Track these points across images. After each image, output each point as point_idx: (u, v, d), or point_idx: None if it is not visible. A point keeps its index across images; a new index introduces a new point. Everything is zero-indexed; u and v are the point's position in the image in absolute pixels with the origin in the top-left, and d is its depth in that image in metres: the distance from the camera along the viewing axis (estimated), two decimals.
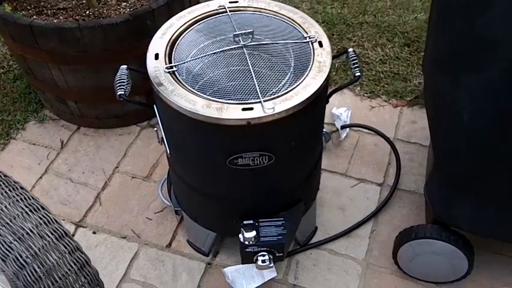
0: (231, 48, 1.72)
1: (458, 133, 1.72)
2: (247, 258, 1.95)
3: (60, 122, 2.79)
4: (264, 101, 1.57)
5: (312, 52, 1.72)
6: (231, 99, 1.60)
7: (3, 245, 1.15)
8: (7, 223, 1.17)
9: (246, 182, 1.84)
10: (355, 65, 1.78)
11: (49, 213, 1.21)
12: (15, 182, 1.27)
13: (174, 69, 1.68)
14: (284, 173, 1.86)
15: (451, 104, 1.68)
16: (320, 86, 1.62)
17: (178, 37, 1.79)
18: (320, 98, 1.71)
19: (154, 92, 1.67)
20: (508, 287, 2.13)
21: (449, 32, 1.66)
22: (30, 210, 1.20)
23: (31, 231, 1.16)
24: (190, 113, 1.57)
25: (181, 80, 1.66)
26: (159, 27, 1.82)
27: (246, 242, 1.89)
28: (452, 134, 1.75)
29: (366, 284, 2.17)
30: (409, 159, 2.57)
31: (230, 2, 1.88)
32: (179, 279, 2.18)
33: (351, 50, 1.84)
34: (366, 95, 2.87)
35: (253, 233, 1.89)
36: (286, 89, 1.62)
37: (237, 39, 1.72)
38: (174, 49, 1.75)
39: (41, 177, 2.54)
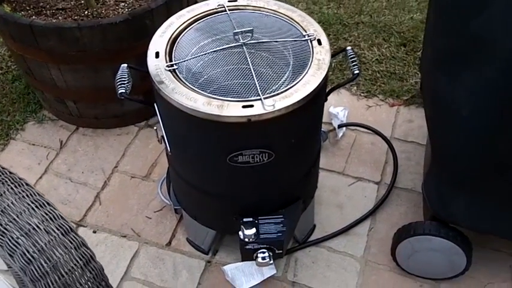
0: (231, 47, 1.73)
1: (457, 131, 1.73)
2: (247, 255, 1.96)
3: (59, 122, 2.80)
4: (264, 98, 1.58)
5: (311, 50, 1.74)
6: (232, 97, 1.61)
7: (10, 241, 1.16)
8: (14, 219, 1.18)
9: (246, 180, 1.85)
10: (354, 63, 1.79)
11: (54, 209, 1.22)
12: (20, 179, 1.28)
13: (175, 67, 1.69)
14: (284, 171, 1.87)
15: (449, 102, 1.70)
16: (319, 83, 1.64)
17: (179, 35, 1.80)
18: (319, 96, 1.73)
19: (155, 90, 1.68)
20: (506, 283, 2.15)
21: (447, 31, 1.68)
22: (36, 206, 1.21)
23: (37, 226, 1.17)
24: (191, 110, 1.58)
25: (181, 78, 1.67)
26: (158, 27, 1.83)
27: (246, 239, 1.91)
28: (451, 132, 1.76)
29: (364, 281, 2.18)
30: (406, 157, 2.59)
31: (229, 1, 1.90)
32: (179, 277, 2.20)
33: (349, 48, 1.85)
34: (362, 94, 2.89)
35: (253, 230, 1.90)
36: (286, 87, 1.64)
37: (236, 37, 1.73)
38: (174, 47, 1.76)
39: (40, 177, 2.55)
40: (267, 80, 1.67)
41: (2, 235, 1.17)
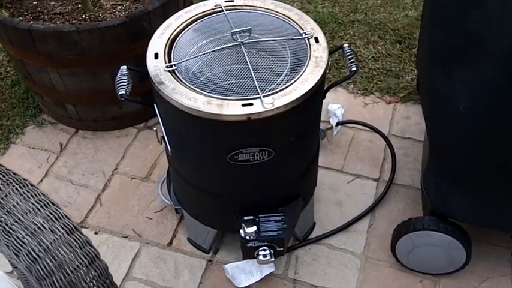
0: (229, 46, 1.75)
1: (454, 125, 1.75)
2: (249, 253, 1.98)
3: (58, 125, 2.81)
4: (263, 96, 1.60)
5: (309, 48, 1.75)
6: (231, 96, 1.63)
7: (16, 240, 1.17)
8: (19, 219, 1.19)
9: (246, 178, 1.87)
10: (351, 60, 1.81)
11: (59, 208, 1.23)
12: (24, 179, 1.29)
13: (174, 67, 1.71)
14: (283, 168, 1.89)
15: (446, 96, 1.71)
16: (318, 81, 1.66)
17: (177, 36, 1.82)
18: (317, 93, 1.75)
19: (155, 90, 1.69)
20: (505, 276, 2.17)
21: (443, 26, 1.69)
22: (41, 206, 1.21)
23: (42, 226, 1.18)
24: (192, 110, 1.59)
25: (181, 78, 1.68)
26: (155, 29, 1.85)
27: (247, 237, 1.92)
28: (448, 127, 1.78)
29: (365, 277, 2.20)
30: (404, 154, 2.61)
31: (226, 1, 1.91)
32: (181, 276, 2.21)
33: (346, 45, 1.86)
34: (359, 92, 2.91)
35: (254, 228, 1.91)
36: (284, 85, 1.65)
37: (234, 37, 1.74)
38: (173, 48, 1.78)
39: (41, 180, 2.56)
40: (265, 78, 1.69)
41: (7, 235, 1.18)
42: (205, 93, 1.63)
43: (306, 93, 1.63)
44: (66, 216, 1.22)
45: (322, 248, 2.29)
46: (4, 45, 2.51)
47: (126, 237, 2.34)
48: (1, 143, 2.72)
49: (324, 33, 1.81)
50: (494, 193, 1.85)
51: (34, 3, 2.61)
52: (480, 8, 1.51)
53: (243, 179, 1.87)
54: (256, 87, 1.62)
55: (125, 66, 1.84)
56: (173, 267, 2.24)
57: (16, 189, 1.25)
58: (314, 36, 1.78)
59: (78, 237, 1.21)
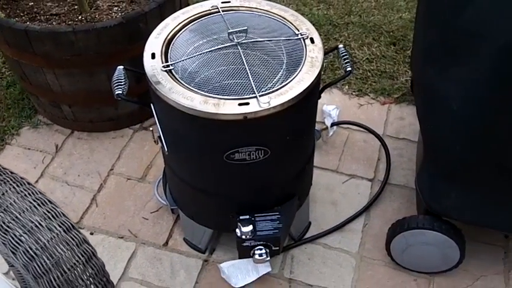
0: (226, 46, 1.76)
1: (448, 124, 1.76)
2: (245, 252, 1.98)
3: (54, 126, 2.82)
4: (260, 95, 1.61)
5: (304, 48, 1.77)
6: (228, 95, 1.64)
7: (13, 238, 1.17)
8: (16, 217, 1.19)
9: (242, 177, 1.87)
10: (346, 60, 1.82)
11: (56, 206, 1.23)
12: (21, 178, 1.29)
13: (171, 67, 1.71)
14: (279, 168, 1.89)
15: (439, 95, 1.72)
16: (313, 80, 1.67)
17: (174, 37, 1.83)
18: (313, 93, 1.76)
19: (152, 90, 1.70)
20: (499, 275, 2.18)
21: (436, 24, 1.71)
22: (38, 204, 1.22)
23: (39, 224, 1.18)
24: (188, 109, 1.60)
25: (178, 78, 1.69)
26: (152, 30, 1.86)
27: (243, 237, 1.93)
28: (442, 125, 1.79)
29: (360, 276, 2.21)
30: (398, 154, 2.62)
31: (222, 2, 1.92)
32: (177, 276, 2.21)
33: (341, 46, 1.88)
34: (354, 93, 2.92)
35: (250, 228, 1.92)
36: (280, 84, 1.67)
37: (231, 37, 1.75)
38: (170, 48, 1.79)
39: (37, 181, 2.56)
40: (261, 78, 1.70)
41: (4, 233, 1.18)
42: (202, 92, 1.64)
43: (302, 92, 1.64)
44: (63, 215, 1.23)
45: (317, 247, 2.30)
46: (0, 46, 2.52)
47: (122, 237, 2.34)
48: None
49: (319, 35, 1.82)
50: (488, 192, 1.86)
51: (30, 4, 2.61)
52: (473, 6, 1.52)
53: (239, 178, 1.88)
54: (252, 87, 1.64)
55: (122, 67, 1.85)
56: (169, 267, 2.24)
57: (13, 187, 1.25)
58: (310, 36, 1.80)
59: (75, 235, 1.22)
